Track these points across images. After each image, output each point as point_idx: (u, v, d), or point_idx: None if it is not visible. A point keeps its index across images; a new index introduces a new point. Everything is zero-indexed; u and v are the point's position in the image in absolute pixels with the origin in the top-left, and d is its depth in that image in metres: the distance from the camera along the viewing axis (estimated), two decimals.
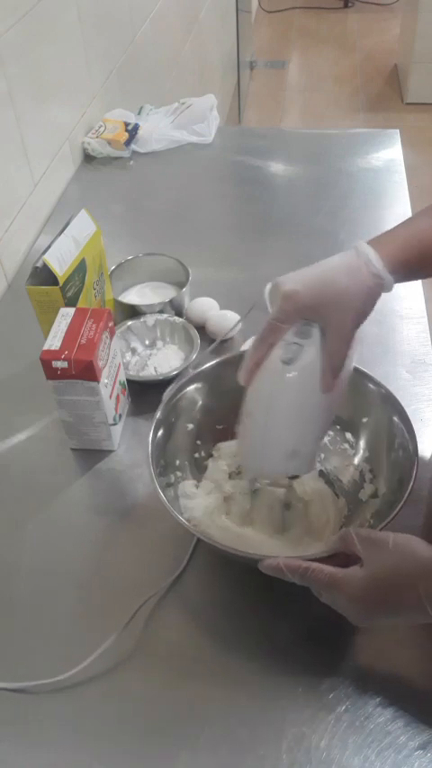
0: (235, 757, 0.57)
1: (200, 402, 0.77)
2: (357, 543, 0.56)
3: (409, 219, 0.66)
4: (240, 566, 0.64)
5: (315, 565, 0.56)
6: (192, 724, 0.59)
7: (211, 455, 0.78)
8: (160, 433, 0.71)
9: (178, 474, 0.74)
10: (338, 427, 0.77)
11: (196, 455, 0.77)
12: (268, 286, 0.62)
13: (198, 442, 0.77)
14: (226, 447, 0.78)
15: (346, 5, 4.56)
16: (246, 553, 0.61)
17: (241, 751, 0.57)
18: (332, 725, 0.58)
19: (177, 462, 0.75)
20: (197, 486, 0.75)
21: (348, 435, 0.76)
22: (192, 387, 0.76)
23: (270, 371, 0.61)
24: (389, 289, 0.60)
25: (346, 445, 0.76)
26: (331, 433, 0.77)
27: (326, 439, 0.77)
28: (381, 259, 0.59)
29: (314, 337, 0.59)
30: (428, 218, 0.63)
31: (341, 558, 0.57)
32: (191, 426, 0.77)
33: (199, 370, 0.77)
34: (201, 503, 0.73)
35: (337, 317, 0.59)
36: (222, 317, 0.95)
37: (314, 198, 1.26)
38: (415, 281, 1.04)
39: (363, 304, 0.59)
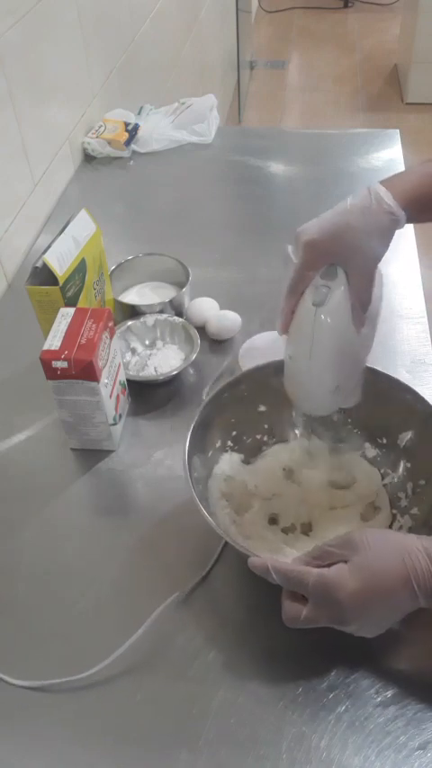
0: (235, 757, 0.57)
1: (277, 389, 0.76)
2: (335, 549, 0.57)
3: (419, 165, 0.68)
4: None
5: (303, 567, 0.57)
6: (192, 724, 0.59)
7: (280, 441, 0.79)
8: (225, 395, 0.73)
9: (229, 444, 0.75)
10: (386, 451, 0.76)
11: (258, 437, 0.78)
12: (289, 248, 0.65)
13: (266, 426, 0.78)
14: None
15: (346, 5, 4.56)
16: (237, 545, 0.62)
17: (241, 751, 0.57)
18: (332, 725, 0.58)
19: (234, 433, 0.76)
20: (245, 463, 0.76)
21: (391, 462, 0.75)
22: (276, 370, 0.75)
23: (305, 316, 0.64)
24: (402, 225, 0.63)
25: (388, 472, 0.75)
26: (375, 452, 0.77)
27: (372, 453, 0.77)
28: (392, 196, 0.61)
29: (339, 278, 0.63)
30: None
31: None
32: (263, 408, 0.77)
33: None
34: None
35: (357, 257, 0.62)
36: (222, 317, 0.95)
37: (314, 198, 1.26)
38: (415, 282, 1.04)
39: (379, 241, 0.62)
